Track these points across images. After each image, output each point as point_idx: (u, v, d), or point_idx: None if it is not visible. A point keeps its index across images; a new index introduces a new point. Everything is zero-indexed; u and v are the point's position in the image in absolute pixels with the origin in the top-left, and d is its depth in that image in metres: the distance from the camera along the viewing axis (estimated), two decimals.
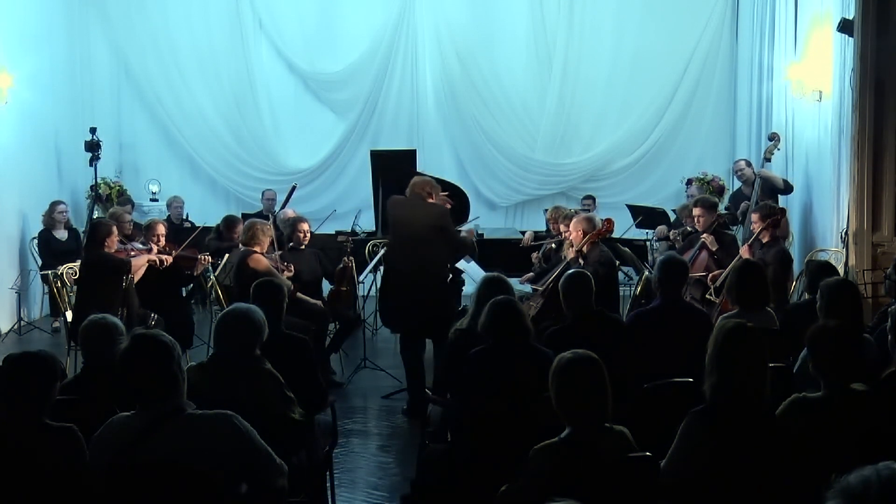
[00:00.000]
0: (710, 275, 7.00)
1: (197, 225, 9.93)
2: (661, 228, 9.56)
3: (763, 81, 10.81)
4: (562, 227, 7.70)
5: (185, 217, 11.03)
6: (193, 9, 12.09)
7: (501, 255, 8.69)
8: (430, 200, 6.74)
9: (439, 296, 6.71)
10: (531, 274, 7.63)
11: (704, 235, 7.23)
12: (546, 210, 10.22)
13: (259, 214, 10.18)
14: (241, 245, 7.33)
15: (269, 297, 4.85)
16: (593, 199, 10.92)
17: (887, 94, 7.58)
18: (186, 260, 7.40)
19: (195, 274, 7.54)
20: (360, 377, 7.53)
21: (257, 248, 7.04)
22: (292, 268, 7.27)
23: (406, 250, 6.68)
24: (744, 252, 6.76)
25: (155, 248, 7.31)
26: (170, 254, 7.30)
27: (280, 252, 7.39)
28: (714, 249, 7.14)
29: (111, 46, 12.08)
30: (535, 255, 8.13)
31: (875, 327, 4.93)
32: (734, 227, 8.64)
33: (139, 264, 7.03)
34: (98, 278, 6.78)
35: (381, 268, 8.74)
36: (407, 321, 6.72)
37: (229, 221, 9.28)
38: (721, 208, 8.88)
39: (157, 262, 7.16)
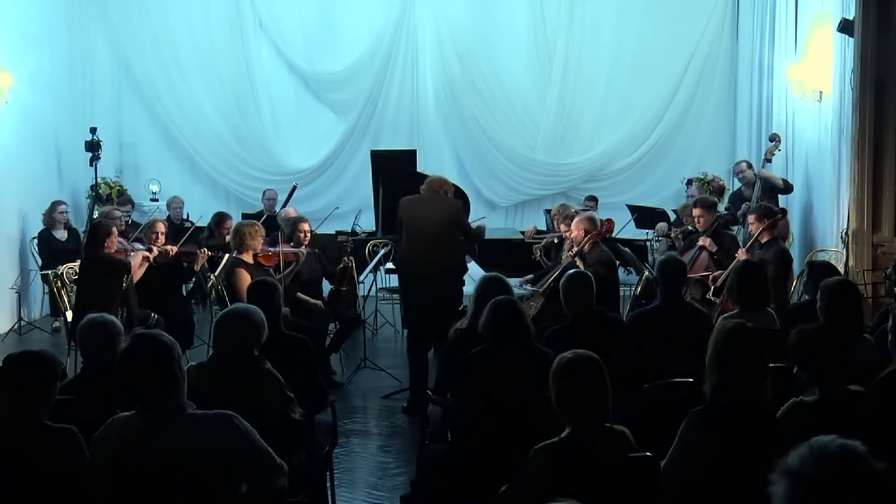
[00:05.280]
0: (711, 276, 6.99)
1: (198, 225, 9.95)
2: (662, 225, 9.53)
3: (763, 81, 10.81)
4: (562, 227, 7.70)
5: (185, 217, 11.04)
6: (194, 9, 12.09)
7: (501, 255, 8.69)
8: (445, 195, 6.78)
9: (456, 292, 6.74)
10: (531, 276, 7.62)
11: (702, 239, 7.22)
12: (548, 210, 10.22)
13: (259, 214, 10.19)
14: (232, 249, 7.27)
15: (266, 296, 4.86)
16: (595, 199, 10.89)
17: (887, 94, 7.59)
18: (187, 255, 7.40)
19: (196, 269, 7.53)
20: (360, 377, 7.53)
21: (246, 256, 6.99)
22: (304, 251, 7.28)
23: (423, 248, 6.72)
24: (741, 255, 6.74)
25: (155, 249, 7.31)
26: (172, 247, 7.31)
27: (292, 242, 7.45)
28: (713, 251, 7.13)
29: (111, 46, 12.08)
30: (536, 247, 8.13)
31: (875, 327, 4.93)
32: (734, 228, 8.65)
33: (136, 263, 7.02)
34: (97, 278, 6.77)
35: (383, 268, 8.79)
36: (427, 318, 6.71)
37: (219, 218, 9.35)
38: (721, 208, 8.88)
39: (153, 258, 7.11)
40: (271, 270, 7.04)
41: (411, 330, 6.98)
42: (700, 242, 7.20)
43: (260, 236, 7.11)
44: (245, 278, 6.76)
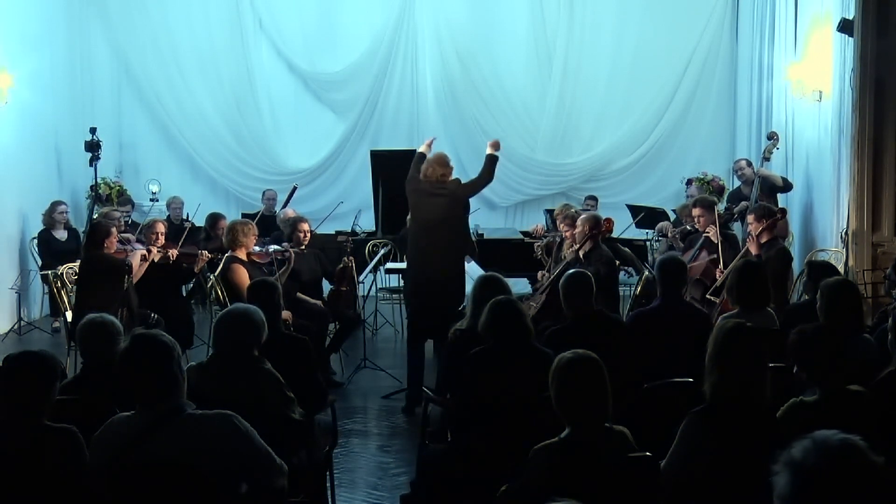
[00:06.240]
0: (717, 269, 6.96)
1: (197, 225, 9.95)
2: (665, 224, 9.50)
3: (763, 81, 10.82)
4: (562, 227, 7.70)
5: (185, 217, 11.03)
6: (193, 9, 12.09)
7: (501, 255, 8.69)
8: (447, 180, 6.77)
9: (459, 285, 6.75)
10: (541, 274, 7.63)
11: (709, 228, 7.21)
12: (548, 210, 10.21)
13: (259, 215, 10.19)
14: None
15: (266, 296, 4.86)
16: (596, 199, 10.90)
17: (887, 94, 7.59)
18: (186, 256, 7.41)
19: (196, 270, 7.54)
20: (360, 377, 7.53)
21: (240, 252, 7.02)
22: (292, 253, 7.29)
23: (427, 239, 6.73)
24: (751, 246, 6.71)
25: (154, 250, 7.30)
26: (173, 248, 7.32)
27: (287, 244, 7.46)
28: (717, 242, 7.11)
29: (111, 46, 12.08)
30: (537, 245, 8.14)
31: (875, 327, 4.93)
32: (731, 225, 8.65)
33: (135, 263, 7.02)
34: (97, 278, 6.77)
35: (383, 268, 8.80)
36: (429, 307, 6.72)
37: (213, 219, 9.36)
38: (720, 208, 8.88)
39: (148, 256, 7.11)
40: (265, 268, 7.06)
41: (412, 321, 6.99)
42: (706, 232, 7.20)
43: (253, 234, 7.15)
44: (241, 273, 6.80)
